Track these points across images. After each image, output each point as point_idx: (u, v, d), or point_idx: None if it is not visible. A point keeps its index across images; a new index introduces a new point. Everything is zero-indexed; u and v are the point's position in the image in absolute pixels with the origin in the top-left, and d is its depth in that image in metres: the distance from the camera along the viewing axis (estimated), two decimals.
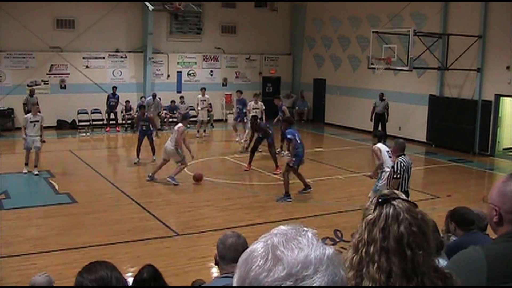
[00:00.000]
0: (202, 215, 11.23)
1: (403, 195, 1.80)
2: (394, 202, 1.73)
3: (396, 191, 1.82)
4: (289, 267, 1.03)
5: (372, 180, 10.70)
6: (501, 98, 18.01)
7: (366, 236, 1.71)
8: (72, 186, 13.22)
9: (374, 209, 1.74)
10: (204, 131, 20.96)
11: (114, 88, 21.84)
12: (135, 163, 15.77)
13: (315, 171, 15.24)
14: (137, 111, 18.33)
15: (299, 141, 12.13)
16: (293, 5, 26.31)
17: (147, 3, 21.36)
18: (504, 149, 18.62)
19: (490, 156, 18.07)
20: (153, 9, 21.60)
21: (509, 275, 2.12)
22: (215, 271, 7.42)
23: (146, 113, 16.28)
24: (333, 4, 23.69)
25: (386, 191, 1.81)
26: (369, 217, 1.74)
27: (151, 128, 16.08)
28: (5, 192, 12.39)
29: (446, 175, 15.53)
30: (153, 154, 16.14)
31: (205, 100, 21.02)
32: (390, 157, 10.01)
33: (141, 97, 22.64)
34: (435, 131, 19.54)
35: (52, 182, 13.54)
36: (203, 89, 21.10)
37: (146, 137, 15.86)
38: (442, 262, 2.85)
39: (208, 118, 21.73)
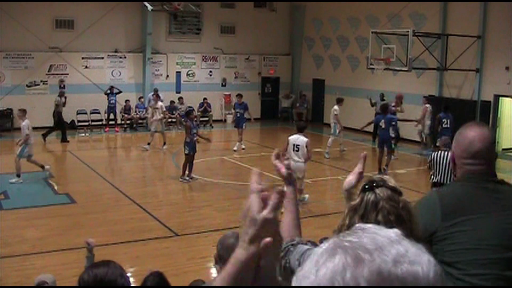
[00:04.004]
0: (201, 216, 11.23)
1: (392, 181, 1.82)
2: (377, 190, 1.75)
3: (385, 177, 1.84)
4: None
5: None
6: (500, 98, 18.02)
7: (347, 221, 1.74)
8: (71, 186, 13.22)
9: (359, 195, 1.77)
10: (164, 143, 18.21)
11: (112, 88, 21.82)
12: (186, 181, 13.78)
13: (314, 171, 15.25)
14: (182, 116, 17.18)
15: None
16: (292, 5, 26.32)
17: (146, 4, 21.35)
18: (503, 149, 18.62)
19: None
20: (152, 10, 21.60)
21: (459, 211, 2.43)
22: (214, 272, 7.42)
23: (195, 120, 14.01)
24: (332, 5, 23.70)
25: (375, 177, 1.83)
26: (353, 203, 1.79)
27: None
28: (4, 192, 12.39)
29: None
30: (191, 171, 13.86)
31: (157, 108, 18.36)
32: (297, 150, 11.15)
33: (140, 97, 22.61)
34: (434, 132, 19.51)
35: (51, 182, 13.54)
36: (157, 95, 19.27)
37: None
38: None
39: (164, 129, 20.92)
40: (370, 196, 1.75)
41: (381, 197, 1.74)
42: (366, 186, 1.78)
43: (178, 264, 8.50)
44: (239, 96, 18.80)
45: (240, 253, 1.28)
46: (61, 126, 19.46)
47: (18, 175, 13.29)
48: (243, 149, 18.16)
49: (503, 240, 2.37)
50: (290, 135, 11.78)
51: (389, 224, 1.67)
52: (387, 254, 0.89)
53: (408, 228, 1.71)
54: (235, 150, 17.95)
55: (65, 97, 19.97)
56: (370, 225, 0.99)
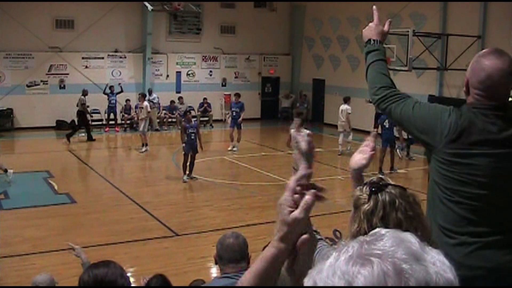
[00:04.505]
0: (201, 215, 11.23)
1: (389, 179, 1.83)
2: (387, 189, 1.75)
3: (382, 176, 1.85)
4: None
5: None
6: None
7: (365, 225, 1.73)
8: (71, 186, 13.21)
9: (369, 199, 1.76)
10: (144, 145, 17.70)
11: (112, 87, 21.80)
12: (184, 181, 13.66)
13: (315, 171, 15.22)
14: (182, 116, 16.67)
15: None
16: (292, 5, 26.32)
17: (146, 3, 21.35)
18: None
19: None
20: (152, 9, 21.58)
21: (463, 142, 2.46)
22: (214, 271, 7.42)
23: (194, 120, 13.69)
24: (332, 4, 23.69)
25: (374, 178, 1.83)
26: (366, 207, 1.76)
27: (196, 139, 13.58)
28: (4, 192, 12.38)
29: None
30: (191, 171, 13.70)
31: (142, 108, 17.92)
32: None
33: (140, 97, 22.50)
34: None
35: (51, 182, 13.54)
36: (142, 95, 18.86)
37: (191, 149, 13.47)
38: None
39: (152, 126, 20.63)
40: (384, 197, 1.74)
41: (395, 195, 1.74)
42: (373, 189, 1.77)
43: (178, 264, 8.50)
44: (237, 95, 18.64)
45: (269, 250, 1.30)
46: (86, 125, 19.74)
47: (5, 170, 13.19)
48: (229, 150, 17.74)
49: (494, 180, 2.45)
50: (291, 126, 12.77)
51: (409, 221, 1.69)
52: (426, 264, 0.89)
53: (422, 221, 1.73)
54: (234, 151, 17.85)
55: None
56: (387, 230, 0.98)
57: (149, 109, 18.18)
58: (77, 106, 19.81)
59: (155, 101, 22.11)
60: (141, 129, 17.79)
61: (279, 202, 1.29)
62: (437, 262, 0.91)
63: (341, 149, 17.70)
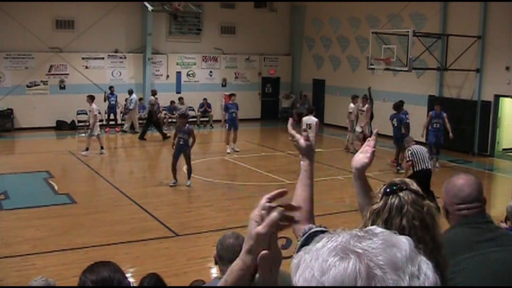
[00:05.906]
0: (202, 216, 11.23)
1: (415, 184, 1.78)
2: (401, 194, 1.71)
3: (407, 180, 1.79)
4: None
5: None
6: (501, 98, 18.02)
7: (370, 225, 1.70)
8: (71, 186, 13.21)
9: (381, 199, 1.73)
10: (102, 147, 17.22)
11: (112, 88, 21.75)
12: (171, 185, 13.29)
13: (315, 171, 15.23)
14: (177, 117, 16.26)
15: None
16: (293, 5, 26.32)
17: (146, 4, 21.36)
18: (503, 149, 18.62)
19: (489, 156, 18.08)
20: (152, 10, 21.60)
21: (455, 253, 2.41)
22: (214, 272, 7.42)
23: (187, 125, 13.38)
24: (333, 5, 23.70)
25: (397, 180, 1.79)
26: (375, 206, 1.73)
27: (189, 143, 13.19)
28: (5, 192, 12.38)
29: (445, 175, 15.46)
30: (188, 177, 13.31)
31: (90, 111, 17.48)
32: (309, 128, 13.68)
33: (140, 98, 22.40)
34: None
35: (52, 182, 13.54)
36: (90, 97, 17.58)
37: (182, 154, 13.20)
38: None
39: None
40: (394, 200, 1.70)
41: (406, 201, 1.69)
42: (388, 190, 1.73)
43: (178, 264, 8.50)
44: (233, 95, 18.40)
45: (237, 263, 1.32)
46: (156, 125, 20.30)
47: None
48: (228, 152, 17.54)
49: (499, 278, 2.43)
50: (303, 117, 15.02)
51: (413, 230, 1.64)
52: (402, 276, 0.88)
53: (431, 233, 1.67)
54: (233, 151, 17.72)
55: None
56: (382, 231, 0.97)
57: (95, 113, 17.08)
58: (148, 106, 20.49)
59: (133, 101, 21.50)
60: (95, 133, 16.89)
61: (251, 217, 1.32)
62: (422, 276, 0.90)
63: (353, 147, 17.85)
